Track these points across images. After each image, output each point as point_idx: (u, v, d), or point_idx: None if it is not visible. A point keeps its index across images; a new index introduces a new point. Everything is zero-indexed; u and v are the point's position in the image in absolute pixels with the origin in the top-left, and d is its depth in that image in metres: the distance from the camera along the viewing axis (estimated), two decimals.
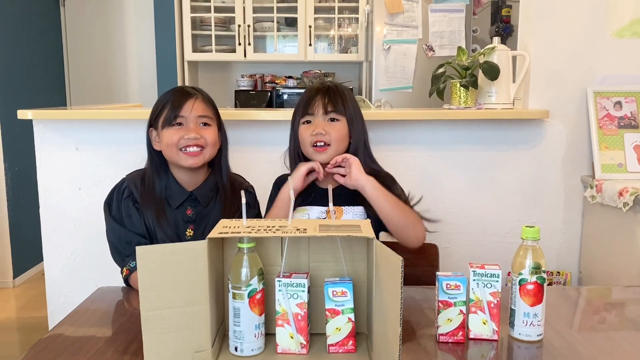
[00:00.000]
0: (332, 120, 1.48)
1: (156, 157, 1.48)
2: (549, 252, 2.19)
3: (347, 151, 1.51)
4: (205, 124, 1.44)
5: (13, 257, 3.46)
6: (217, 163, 1.51)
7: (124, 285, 1.43)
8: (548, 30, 2.11)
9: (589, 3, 2.09)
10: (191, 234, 1.45)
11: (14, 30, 3.61)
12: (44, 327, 2.21)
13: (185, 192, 1.47)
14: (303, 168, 1.45)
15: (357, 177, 1.41)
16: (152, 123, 1.47)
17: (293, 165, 1.55)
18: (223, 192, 1.50)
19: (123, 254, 1.42)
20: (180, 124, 1.42)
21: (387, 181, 1.51)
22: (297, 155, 1.54)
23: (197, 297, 0.96)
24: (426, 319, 1.16)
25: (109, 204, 1.47)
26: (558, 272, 2.17)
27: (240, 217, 1.01)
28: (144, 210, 1.43)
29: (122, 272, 1.43)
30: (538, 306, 1.04)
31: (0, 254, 3.43)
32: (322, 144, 1.45)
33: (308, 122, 1.49)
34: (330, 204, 1.03)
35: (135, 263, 1.35)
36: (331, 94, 1.48)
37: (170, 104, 1.42)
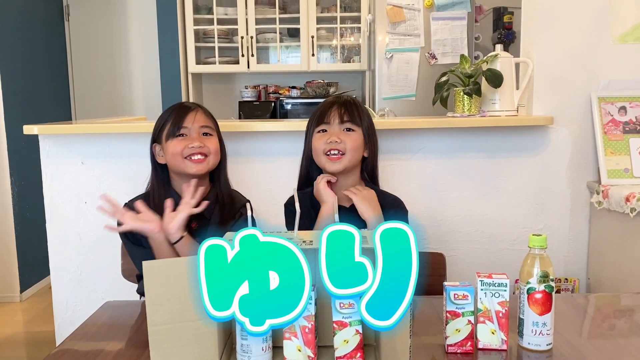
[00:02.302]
0: (348, 130, 1.48)
1: (160, 172, 1.52)
2: (556, 259, 2.17)
3: (362, 167, 1.54)
4: (206, 134, 1.50)
5: (20, 272, 3.47)
6: (217, 175, 1.55)
7: (137, 296, 1.46)
8: (551, 36, 2.11)
9: (591, 8, 2.09)
10: None
11: (19, 46, 3.64)
12: (51, 341, 2.21)
13: None
14: (322, 184, 1.46)
15: (364, 209, 1.43)
16: (156, 138, 1.52)
17: (301, 173, 1.58)
18: (221, 204, 1.52)
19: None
20: (183, 134, 1.47)
21: (399, 212, 1.52)
22: (309, 166, 1.56)
23: (204, 310, 0.95)
24: (434, 329, 1.15)
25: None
26: (566, 279, 2.16)
27: (237, 230, 1.01)
28: None
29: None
30: (547, 315, 1.03)
31: (7, 268, 3.44)
32: (336, 152, 1.45)
33: (323, 131, 1.49)
34: (336, 215, 1.03)
35: None
36: (347, 106, 1.49)
37: (172, 118, 1.48)
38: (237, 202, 1.55)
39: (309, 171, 1.57)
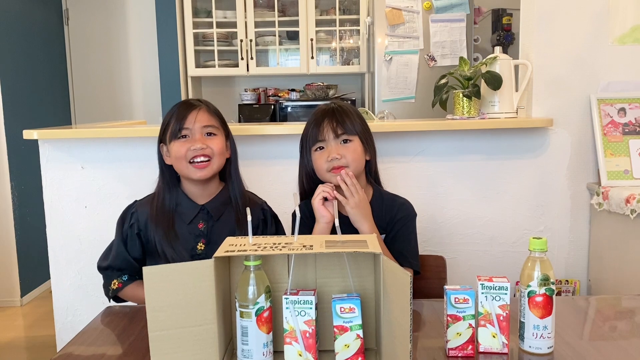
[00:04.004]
0: (345, 142, 1.45)
1: (167, 172, 1.50)
2: (557, 261, 2.17)
3: (366, 170, 1.51)
4: (210, 134, 1.46)
5: (20, 276, 3.46)
6: (228, 174, 1.53)
7: (111, 299, 1.49)
8: (549, 38, 2.11)
9: (590, 10, 2.09)
10: (202, 248, 1.47)
11: (18, 50, 3.65)
12: (52, 345, 2.21)
13: (196, 206, 1.48)
14: (317, 202, 1.41)
15: (356, 217, 1.41)
16: (162, 138, 1.49)
17: (302, 189, 1.55)
18: (236, 205, 1.50)
19: (114, 269, 1.48)
20: (185, 135, 1.44)
21: (406, 219, 1.49)
22: (309, 180, 1.52)
23: (205, 316, 0.95)
24: (435, 332, 1.15)
25: (122, 223, 1.51)
26: (567, 281, 2.16)
27: (258, 233, 1.01)
28: (154, 230, 1.45)
29: (110, 284, 1.47)
30: (548, 318, 1.03)
31: (7, 272, 3.44)
32: (339, 168, 1.43)
33: (321, 148, 1.46)
34: (336, 219, 1.03)
35: (127, 277, 1.46)
36: (337, 116, 1.45)
37: (175, 117, 1.45)
38: (253, 204, 1.52)
39: (312, 187, 1.52)
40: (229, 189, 1.52)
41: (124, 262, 1.47)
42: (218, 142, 1.46)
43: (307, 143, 1.48)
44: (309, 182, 1.52)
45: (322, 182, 1.49)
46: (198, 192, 1.49)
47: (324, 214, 1.40)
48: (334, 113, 1.46)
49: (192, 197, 1.49)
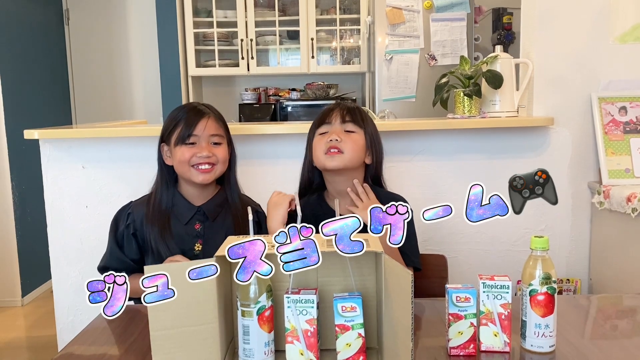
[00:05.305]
0: (350, 132, 1.46)
1: (166, 171, 1.52)
2: (558, 259, 2.17)
3: (365, 172, 1.51)
4: (216, 143, 1.48)
5: (21, 276, 3.47)
6: (227, 178, 1.54)
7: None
8: (550, 36, 2.11)
9: (590, 9, 2.09)
10: (200, 249, 1.48)
11: (19, 50, 3.65)
12: (53, 345, 2.21)
13: (193, 207, 1.50)
14: (280, 215, 1.38)
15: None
16: (165, 139, 1.50)
17: (303, 180, 1.56)
18: (234, 207, 1.52)
19: (111, 269, 1.48)
20: (193, 142, 1.45)
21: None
22: (311, 172, 1.53)
23: (206, 315, 0.96)
24: (436, 331, 1.15)
25: (116, 224, 1.51)
26: (568, 280, 2.16)
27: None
28: (149, 229, 1.46)
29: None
30: (549, 317, 1.03)
31: (8, 272, 3.44)
32: (335, 150, 1.41)
33: (325, 133, 1.47)
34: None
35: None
36: (350, 108, 1.48)
37: (184, 122, 1.46)
38: (247, 205, 1.55)
39: (311, 177, 1.54)
40: (226, 192, 1.54)
41: (119, 263, 1.49)
42: (222, 151, 1.49)
43: (313, 128, 1.50)
44: (311, 170, 1.54)
45: (320, 172, 1.50)
46: (195, 194, 1.51)
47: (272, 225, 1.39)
48: (348, 106, 1.49)
49: (188, 198, 1.51)
